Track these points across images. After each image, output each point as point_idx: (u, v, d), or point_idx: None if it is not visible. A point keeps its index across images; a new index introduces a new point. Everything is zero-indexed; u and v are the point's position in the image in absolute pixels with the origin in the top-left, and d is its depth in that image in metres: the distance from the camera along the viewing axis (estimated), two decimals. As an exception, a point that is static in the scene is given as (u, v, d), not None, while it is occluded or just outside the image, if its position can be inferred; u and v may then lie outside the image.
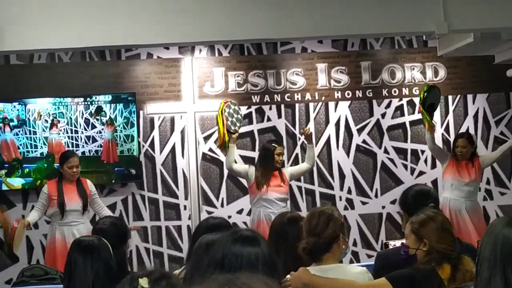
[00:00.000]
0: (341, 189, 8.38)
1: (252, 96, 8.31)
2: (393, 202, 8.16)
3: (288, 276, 3.44)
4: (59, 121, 7.84)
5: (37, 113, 7.81)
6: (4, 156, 7.74)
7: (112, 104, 7.94)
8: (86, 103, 7.91)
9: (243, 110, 8.24)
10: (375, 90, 8.46)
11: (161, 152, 8.19)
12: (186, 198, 8.16)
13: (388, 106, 8.48)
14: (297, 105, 8.37)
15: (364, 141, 8.43)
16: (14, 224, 6.35)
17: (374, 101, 8.46)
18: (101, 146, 7.90)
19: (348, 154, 8.40)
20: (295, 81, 8.37)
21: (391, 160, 8.45)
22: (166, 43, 6.64)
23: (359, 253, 8.29)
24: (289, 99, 8.36)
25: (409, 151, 8.45)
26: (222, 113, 6.96)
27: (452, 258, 3.43)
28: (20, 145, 7.78)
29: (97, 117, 7.91)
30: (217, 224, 4.15)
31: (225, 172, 8.01)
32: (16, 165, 7.77)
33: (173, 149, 8.20)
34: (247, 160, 7.94)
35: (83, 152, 7.76)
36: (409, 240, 3.59)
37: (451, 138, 8.17)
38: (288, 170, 7.10)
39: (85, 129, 7.89)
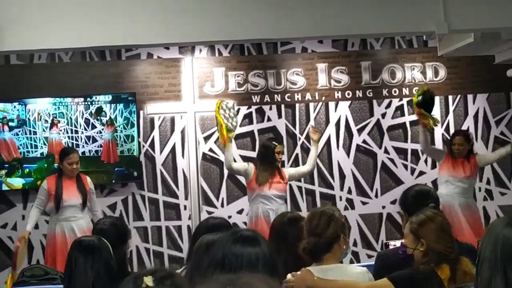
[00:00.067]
0: (341, 189, 8.38)
1: (252, 96, 8.31)
2: (393, 202, 8.16)
3: (289, 276, 3.44)
4: (59, 121, 7.84)
5: (37, 113, 7.81)
6: (4, 156, 7.74)
7: (112, 104, 7.94)
8: (86, 103, 7.91)
9: (243, 110, 8.26)
10: (375, 90, 8.45)
11: (161, 152, 8.19)
12: (186, 198, 8.16)
13: (388, 106, 8.48)
14: (297, 105, 8.37)
15: (364, 141, 8.43)
16: (17, 243, 6.37)
17: (374, 101, 8.46)
18: (101, 146, 7.90)
19: (348, 154, 8.40)
20: (295, 81, 8.37)
21: (391, 160, 8.45)
22: (166, 43, 6.64)
23: (359, 253, 8.28)
24: (289, 99, 8.35)
25: (409, 151, 8.45)
26: (219, 112, 6.92)
27: (450, 259, 3.44)
28: (20, 145, 7.78)
29: (98, 117, 7.91)
30: (217, 224, 4.16)
31: (225, 172, 8.02)
32: (16, 165, 7.77)
33: (173, 149, 8.20)
34: (247, 160, 7.93)
35: (83, 152, 7.76)
36: (407, 240, 3.60)
37: (451, 138, 8.16)
38: (287, 171, 7.10)
39: (85, 129, 7.89)
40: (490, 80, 8.48)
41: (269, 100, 8.33)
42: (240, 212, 8.13)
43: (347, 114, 8.42)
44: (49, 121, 7.82)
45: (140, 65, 8.20)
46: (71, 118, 7.87)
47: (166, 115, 8.19)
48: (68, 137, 7.84)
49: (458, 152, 7.22)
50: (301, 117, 8.37)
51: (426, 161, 8.44)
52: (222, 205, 8.21)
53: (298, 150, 8.32)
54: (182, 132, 8.19)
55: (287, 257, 3.83)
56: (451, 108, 8.55)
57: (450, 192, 7.17)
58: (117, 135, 7.94)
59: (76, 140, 7.84)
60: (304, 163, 8.20)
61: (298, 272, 3.46)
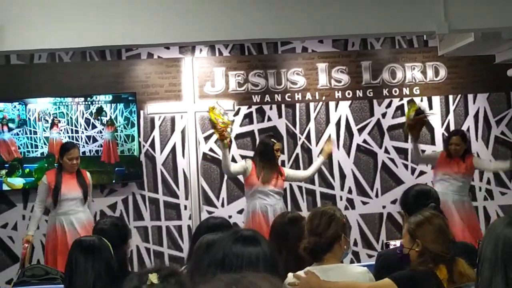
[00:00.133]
0: (342, 189, 8.38)
1: (253, 96, 8.30)
2: (393, 202, 8.15)
3: (291, 276, 3.43)
4: (59, 121, 7.84)
5: (38, 113, 7.81)
6: (4, 156, 7.74)
7: (112, 104, 7.94)
8: (86, 103, 7.91)
9: (244, 109, 8.26)
10: (375, 90, 8.45)
11: (161, 152, 8.19)
12: (186, 198, 8.16)
13: (388, 106, 8.47)
14: (297, 105, 8.37)
15: (364, 141, 8.43)
16: (23, 250, 6.39)
17: (375, 101, 8.46)
18: (101, 146, 7.90)
19: (348, 154, 8.40)
20: (296, 81, 8.37)
21: (392, 160, 8.44)
22: (166, 43, 6.63)
23: (359, 253, 8.28)
24: (289, 99, 8.35)
25: (409, 151, 8.44)
26: (213, 114, 6.84)
27: (446, 260, 3.44)
28: (21, 145, 7.78)
29: (98, 117, 7.91)
30: (217, 224, 4.16)
31: (226, 172, 8.02)
32: (16, 165, 7.78)
33: (173, 149, 8.20)
34: (247, 160, 7.93)
35: (84, 152, 7.75)
36: (404, 239, 3.61)
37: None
38: (286, 171, 7.10)
39: (86, 129, 7.89)
40: (491, 80, 8.47)
41: (269, 100, 8.33)
42: (240, 212, 8.12)
43: (348, 114, 8.42)
44: (50, 121, 7.82)
45: (141, 65, 8.20)
46: (71, 118, 7.87)
47: (166, 115, 8.19)
48: (69, 137, 7.83)
49: (455, 152, 7.24)
50: (302, 117, 8.37)
51: (426, 161, 8.44)
52: (223, 205, 8.21)
53: (298, 150, 8.32)
54: (183, 132, 8.19)
55: (287, 257, 3.83)
56: (452, 107, 8.55)
57: (444, 189, 7.15)
58: (117, 135, 7.94)
59: (77, 140, 7.84)
60: (304, 163, 8.22)
61: (301, 273, 3.45)
